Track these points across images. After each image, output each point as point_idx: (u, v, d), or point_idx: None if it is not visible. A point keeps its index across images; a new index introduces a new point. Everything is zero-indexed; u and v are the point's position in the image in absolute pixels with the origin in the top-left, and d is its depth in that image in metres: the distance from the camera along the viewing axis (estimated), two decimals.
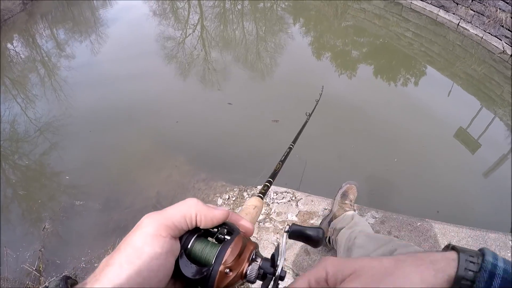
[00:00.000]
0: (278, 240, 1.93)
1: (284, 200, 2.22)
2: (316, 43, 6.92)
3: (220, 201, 2.41)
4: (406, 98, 4.98)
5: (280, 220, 2.11)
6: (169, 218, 0.34)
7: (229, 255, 0.34)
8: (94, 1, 15.51)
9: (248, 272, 0.35)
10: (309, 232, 0.40)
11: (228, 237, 0.36)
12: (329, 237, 1.74)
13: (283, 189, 2.33)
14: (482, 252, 0.30)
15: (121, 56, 6.33)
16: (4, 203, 3.40)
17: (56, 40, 9.27)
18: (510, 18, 7.78)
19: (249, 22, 7.97)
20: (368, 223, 2.02)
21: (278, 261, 0.37)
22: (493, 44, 7.81)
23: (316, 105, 1.30)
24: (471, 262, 0.29)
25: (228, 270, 0.34)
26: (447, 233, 1.91)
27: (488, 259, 0.29)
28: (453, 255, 0.30)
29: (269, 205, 2.22)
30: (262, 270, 0.36)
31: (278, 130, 3.87)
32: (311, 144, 3.61)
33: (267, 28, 7.85)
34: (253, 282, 0.36)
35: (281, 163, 0.78)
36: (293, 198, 2.24)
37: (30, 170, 3.89)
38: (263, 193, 0.61)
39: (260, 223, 2.09)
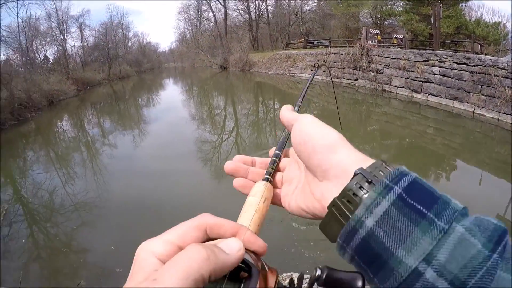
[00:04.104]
0: None
1: None
2: None
3: None
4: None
5: None
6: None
7: None
8: (139, 99, 17.68)
9: None
10: (346, 278, 0.28)
11: (244, 273, 0.26)
12: None
13: None
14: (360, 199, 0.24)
15: (160, 153, 6.61)
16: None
17: (102, 129, 10.20)
18: None
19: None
20: None
21: None
22: (509, 123, 7.89)
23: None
24: (348, 201, 0.25)
25: None
26: None
27: (357, 213, 0.23)
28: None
29: None
30: None
31: None
32: None
33: None
34: None
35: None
36: None
37: (60, 242, 3.81)
38: (271, 173, 0.38)
39: None
